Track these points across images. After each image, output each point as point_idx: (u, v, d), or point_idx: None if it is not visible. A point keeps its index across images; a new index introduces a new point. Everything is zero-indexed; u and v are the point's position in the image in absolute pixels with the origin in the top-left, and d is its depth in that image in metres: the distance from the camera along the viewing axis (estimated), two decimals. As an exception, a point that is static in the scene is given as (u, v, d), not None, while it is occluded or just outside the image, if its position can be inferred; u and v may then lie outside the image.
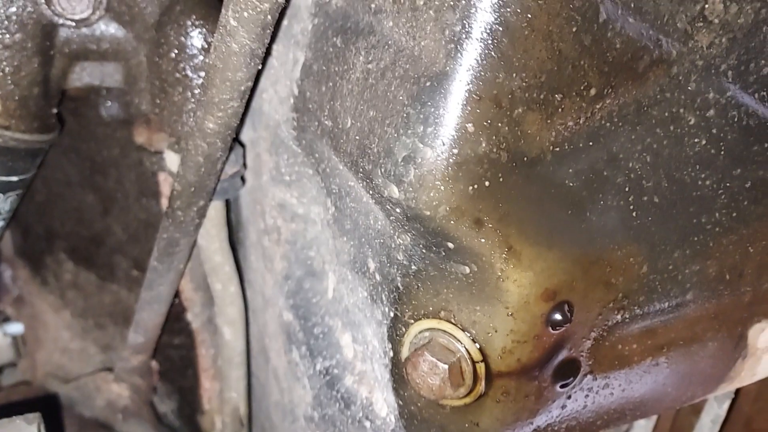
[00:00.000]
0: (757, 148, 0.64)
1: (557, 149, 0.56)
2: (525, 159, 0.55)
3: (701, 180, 0.63)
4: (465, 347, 0.60)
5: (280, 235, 0.89)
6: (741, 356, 0.76)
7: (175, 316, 1.13)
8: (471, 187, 0.54)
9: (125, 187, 1.18)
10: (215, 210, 0.88)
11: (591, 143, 0.57)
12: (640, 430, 1.22)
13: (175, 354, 1.24)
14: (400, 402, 0.69)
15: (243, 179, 0.90)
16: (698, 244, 0.65)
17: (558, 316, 0.59)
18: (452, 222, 0.55)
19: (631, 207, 0.60)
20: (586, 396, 0.67)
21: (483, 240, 0.55)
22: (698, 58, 0.58)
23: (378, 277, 0.68)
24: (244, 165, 0.90)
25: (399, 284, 0.64)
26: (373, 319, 0.71)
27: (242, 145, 0.90)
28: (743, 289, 0.71)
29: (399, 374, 0.68)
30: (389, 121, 0.56)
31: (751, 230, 0.67)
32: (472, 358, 0.60)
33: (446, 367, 0.60)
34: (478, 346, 0.60)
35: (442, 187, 0.53)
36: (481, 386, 0.61)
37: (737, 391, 1.14)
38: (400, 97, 0.54)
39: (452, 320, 0.61)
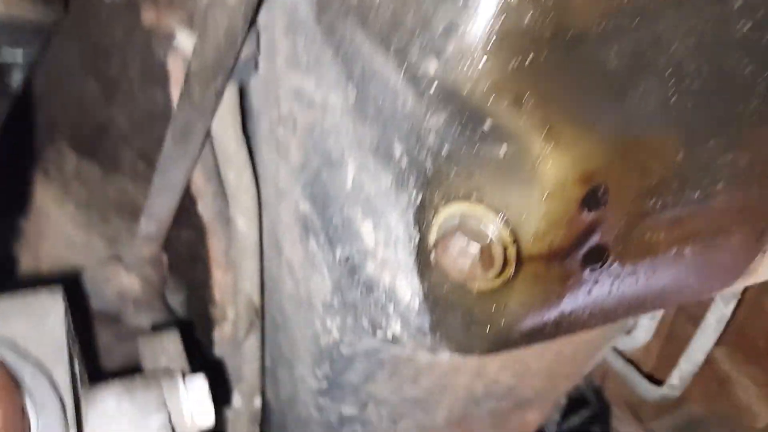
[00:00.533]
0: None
1: (602, 26, 0.53)
2: (570, 35, 0.52)
3: (742, 67, 0.60)
4: (497, 230, 0.60)
5: (296, 124, 0.87)
6: (762, 250, 0.77)
7: (183, 209, 1.13)
8: (513, 62, 0.51)
9: (129, 74, 1.14)
10: (229, 95, 0.85)
11: (636, 21, 0.54)
12: (643, 330, 1.25)
13: (184, 248, 1.24)
14: (426, 286, 0.69)
15: (257, 63, 0.86)
16: (733, 133, 0.63)
17: (593, 200, 0.58)
18: (492, 98, 0.53)
19: (671, 92, 0.58)
20: (612, 283, 0.67)
21: (522, 119, 0.53)
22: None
23: (405, 162, 0.66)
24: (258, 49, 0.86)
25: (429, 167, 0.63)
26: (398, 206, 0.70)
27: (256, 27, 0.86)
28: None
29: (425, 259, 0.67)
30: (429, -10, 0.52)
31: (787, 121, 0.65)
32: (503, 241, 0.60)
33: (477, 248, 0.59)
34: (510, 229, 0.59)
35: (483, 61, 0.51)
36: (511, 269, 0.61)
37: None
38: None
39: (484, 203, 0.60)
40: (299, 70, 0.82)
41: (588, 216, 0.59)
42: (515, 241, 0.60)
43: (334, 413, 1.04)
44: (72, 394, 0.53)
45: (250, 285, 1.05)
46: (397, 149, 0.67)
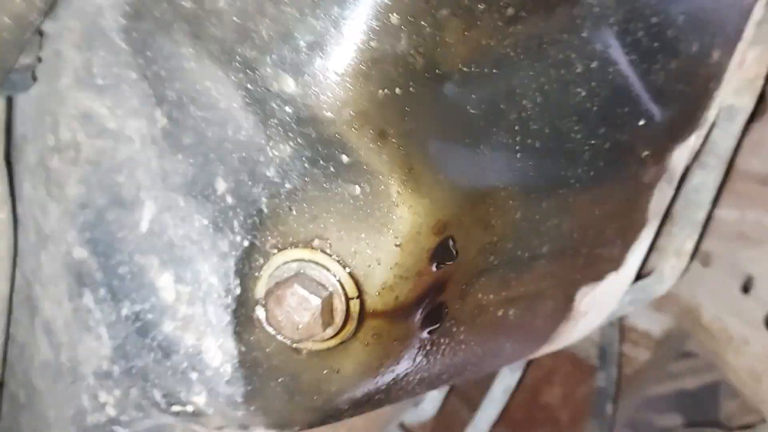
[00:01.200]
0: (620, 111, 0.66)
1: (466, 69, 0.51)
2: (437, 71, 0.49)
3: (574, 132, 0.63)
4: (339, 281, 0.53)
5: (79, 153, 0.72)
6: (566, 318, 0.79)
7: None
8: (382, 91, 0.46)
9: None
10: (-6, 110, 0.68)
11: (495, 70, 0.53)
12: (431, 402, 1.24)
13: None
14: (243, 348, 0.58)
15: (34, 76, 0.71)
16: (562, 197, 0.65)
17: (444, 253, 0.54)
18: (354, 129, 0.47)
19: (517, 147, 0.58)
20: (445, 345, 0.63)
21: (384, 156, 0.48)
22: (596, 4, 0.58)
23: (230, 200, 0.57)
24: (38, 59, 0.71)
25: (263, 207, 0.54)
26: (213, 252, 0.60)
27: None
28: (582, 250, 0.73)
29: (245, 315, 0.57)
30: (289, 0, 0.46)
31: (601, 192, 0.69)
32: (346, 294, 0.53)
33: (319, 302, 0.51)
34: (355, 281, 0.53)
35: (351, 85, 0.45)
36: (352, 327, 0.54)
37: (528, 363, 1.21)
38: (308, -29, 0.45)
39: (327, 250, 0.53)
40: (91, 90, 0.69)
41: (437, 270, 0.55)
42: (359, 295, 0.53)
43: None
44: None
45: (-10, 352, 0.83)
46: (220, 185, 0.58)
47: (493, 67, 0.52)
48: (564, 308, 0.78)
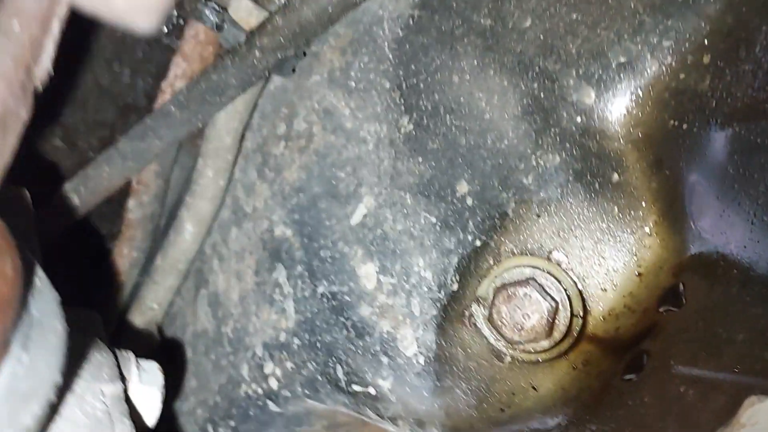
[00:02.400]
0: None
1: (738, 128, 0.54)
2: (719, 120, 0.52)
3: None
4: (569, 296, 0.54)
5: (309, 143, 0.78)
6: (726, 423, 0.77)
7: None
8: (673, 121, 0.50)
9: (100, 42, 1.01)
10: (254, 87, 0.76)
11: (762, 140, 0.56)
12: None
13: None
14: (444, 343, 0.60)
15: (295, 68, 0.78)
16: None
17: (672, 297, 0.55)
18: (637, 150, 0.50)
19: (754, 222, 0.59)
20: (629, 400, 0.63)
21: (654, 183, 0.51)
22: None
23: (470, 202, 0.61)
24: (304, 54, 0.79)
25: (509, 211, 0.57)
26: (435, 248, 0.63)
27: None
28: (766, 356, 0.72)
29: (456, 311, 0.59)
30: (606, 24, 0.51)
31: None
32: (572, 310, 0.54)
33: (545, 309, 0.53)
34: (583, 300, 0.54)
35: (649, 109, 0.49)
36: (568, 344, 0.55)
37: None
38: (632, 4, 0.50)
39: (564, 264, 0.55)
40: (341, 90, 0.76)
41: (658, 315, 0.56)
42: (584, 314, 0.55)
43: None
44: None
45: (158, 306, 0.88)
46: (462, 188, 0.61)
47: (762, 137, 0.55)
48: (728, 413, 0.76)
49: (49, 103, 1.02)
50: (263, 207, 0.82)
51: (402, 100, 0.70)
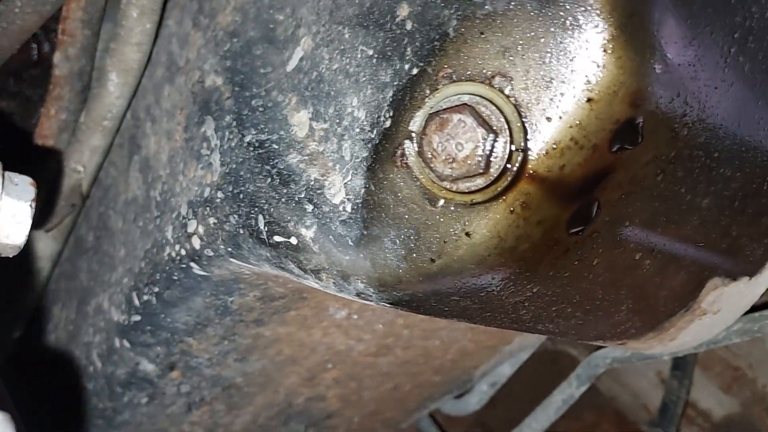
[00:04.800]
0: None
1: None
2: None
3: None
4: (509, 127, 0.47)
5: (242, -19, 0.70)
6: (686, 307, 0.72)
7: (31, 57, 0.87)
8: None
9: None
10: None
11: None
12: (477, 396, 1.15)
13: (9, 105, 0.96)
14: (372, 187, 0.54)
15: None
16: (751, 152, 0.59)
17: (627, 135, 0.48)
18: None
19: (728, 61, 0.53)
20: (575, 262, 0.57)
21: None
22: None
23: (409, 26, 0.53)
24: None
25: (450, 30, 0.50)
26: (370, 84, 0.55)
27: None
28: (732, 231, 0.66)
29: (388, 150, 0.53)
30: None
31: None
32: (512, 141, 0.47)
33: (483, 134, 0.47)
34: (525, 132, 0.48)
35: None
36: (504, 183, 0.48)
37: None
38: None
39: (506, 90, 0.48)
40: None
41: (611, 155, 0.49)
42: (525, 148, 0.48)
43: (128, 366, 0.79)
44: None
45: (83, 169, 0.81)
46: (403, 10, 0.54)
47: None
48: (689, 294, 0.70)
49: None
50: (195, 57, 0.75)
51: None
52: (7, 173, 0.45)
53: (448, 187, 0.49)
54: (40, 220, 0.82)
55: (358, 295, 0.56)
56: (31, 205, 0.44)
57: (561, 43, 0.46)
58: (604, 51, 0.45)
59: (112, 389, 0.82)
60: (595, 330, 0.71)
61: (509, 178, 0.48)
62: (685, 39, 0.49)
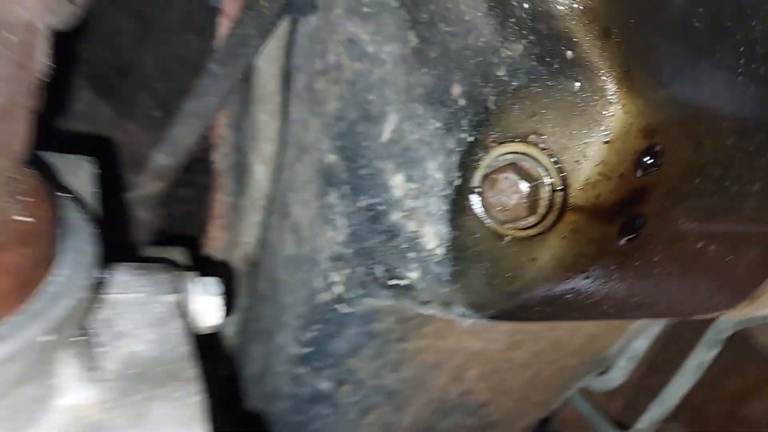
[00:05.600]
0: None
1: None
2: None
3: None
4: (548, 173, 0.60)
5: (341, 74, 0.87)
6: (772, 274, 0.78)
7: (197, 157, 1.11)
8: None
9: (169, 16, 1.14)
10: (282, 31, 0.85)
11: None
12: (620, 372, 1.24)
13: (179, 208, 1.21)
14: (455, 233, 0.68)
15: (315, 4, 0.87)
16: (781, 135, 0.66)
17: (649, 160, 0.59)
18: (582, 24, 0.54)
19: (740, 70, 0.60)
20: (639, 262, 0.67)
21: (605, 53, 0.55)
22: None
23: (461, 102, 0.67)
24: (317, -5, 0.87)
25: (490, 104, 0.63)
26: (441, 151, 0.70)
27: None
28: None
29: (461, 203, 0.67)
30: None
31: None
32: (552, 186, 0.60)
33: (527, 187, 0.59)
34: (562, 174, 0.60)
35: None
36: (553, 217, 0.61)
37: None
38: None
39: (541, 145, 0.60)
40: (359, 17, 0.83)
41: (639, 178, 0.60)
42: (564, 187, 0.60)
43: (309, 387, 1.00)
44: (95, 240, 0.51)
45: (249, 240, 1.03)
46: (456, 90, 0.68)
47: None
48: (766, 263, 0.77)
49: (147, 80, 1.18)
50: (315, 139, 0.93)
51: (408, 16, 0.76)
52: (201, 278, 0.65)
53: (508, 227, 0.63)
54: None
55: (460, 315, 0.71)
56: (220, 297, 0.64)
57: (575, 102, 0.58)
58: (610, 102, 0.56)
59: (300, 407, 1.03)
60: (685, 309, 0.79)
61: (556, 213, 0.61)
62: (689, 70, 0.58)
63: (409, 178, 0.76)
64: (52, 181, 0.51)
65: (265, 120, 0.92)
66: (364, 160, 0.83)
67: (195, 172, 1.19)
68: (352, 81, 0.86)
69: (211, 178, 1.09)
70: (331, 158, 0.88)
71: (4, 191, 0.41)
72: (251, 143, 0.95)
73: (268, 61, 0.87)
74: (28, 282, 0.43)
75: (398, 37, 0.77)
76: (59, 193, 0.51)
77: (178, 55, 1.15)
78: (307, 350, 0.96)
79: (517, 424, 1.25)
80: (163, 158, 0.97)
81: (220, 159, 1.04)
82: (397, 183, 0.78)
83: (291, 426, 1.08)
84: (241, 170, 1.03)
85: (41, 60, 0.44)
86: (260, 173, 0.97)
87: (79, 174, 0.65)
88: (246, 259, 1.04)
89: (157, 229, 1.18)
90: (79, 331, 0.48)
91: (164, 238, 1.25)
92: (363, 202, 0.80)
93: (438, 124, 0.71)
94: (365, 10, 0.82)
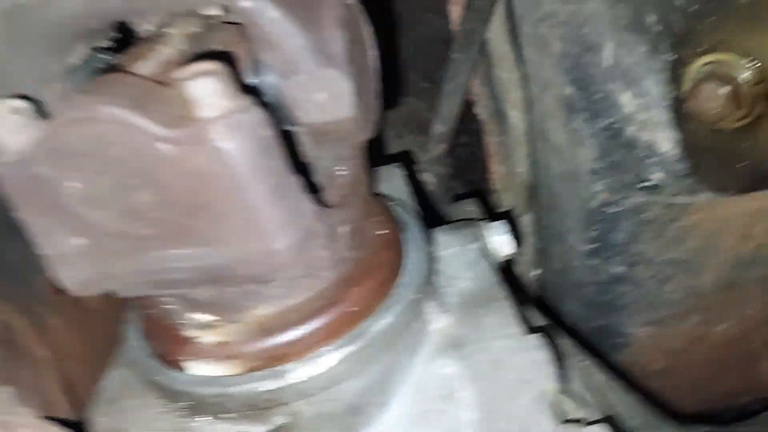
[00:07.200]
0: None
1: None
2: None
3: None
4: (745, 72, 0.70)
5: (557, 18, 1.02)
6: None
7: (463, 113, 1.34)
8: None
9: (410, 4, 1.37)
10: (499, 3, 1.03)
11: None
12: None
13: (463, 152, 1.46)
14: (683, 135, 0.81)
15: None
16: None
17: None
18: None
19: None
20: None
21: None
22: None
23: (658, 29, 0.79)
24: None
25: (680, 27, 0.75)
26: (653, 70, 0.83)
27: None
28: None
29: (680, 111, 0.80)
30: None
31: None
32: (751, 81, 0.70)
33: (727, 90, 0.71)
34: (757, 69, 0.70)
35: None
36: (760, 107, 0.71)
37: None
38: None
39: (733, 50, 0.71)
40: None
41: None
42: (763, 80, 0.70)
43: (605, 273, 1.19)
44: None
45: (522, 169, 1.24)
46: (651, 18, 0.80)
47: None
48: None
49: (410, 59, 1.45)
50: (550, 77, 1.10)
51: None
52: (491, 223, 0.88)
53: (724, 123, 0.75)
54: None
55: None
56: (509, 234, 0.86)
57: (748, 6, 0.67)
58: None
59: (604, 289, 1.23)
60: None
61: (762, 103, 0.71)
62: None
63: (635, 95, 0.89)
64: (383, 195, 0.79)
65: (507, 76, 1.11)
66: (595, 85, 0.98)
67: (468, 121, 1.44)
68: (567, 22, 1.00)
69: (479, 125, 1.31)
70: (569, 90, 1.04)
71: (364, 217, 0.69)
72: (501, 95, 1.15)
73: (495, 32, 1.05)
74: (395, 268, 0.71)
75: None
76: (391, 203, 0.78)
77: (426, 34, 1.39)
78: (594, 246, 1.15)
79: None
80: (440, 127, 1.23)
81: (482, 110, 1.26)
82: (627, 100, 0.92)
83: (602, 305, 1.29)
84: (500, 116, 1.24)
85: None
86: (515, 117, 1.16)
87: (394, 181, 0.92)
88: (524, 184, 1.26)
89: (449, 177, 1.46)
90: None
91: (458, 183, 1.53)
92: (602, 123, 0.96)
93: (644, 48, 0.83)
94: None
